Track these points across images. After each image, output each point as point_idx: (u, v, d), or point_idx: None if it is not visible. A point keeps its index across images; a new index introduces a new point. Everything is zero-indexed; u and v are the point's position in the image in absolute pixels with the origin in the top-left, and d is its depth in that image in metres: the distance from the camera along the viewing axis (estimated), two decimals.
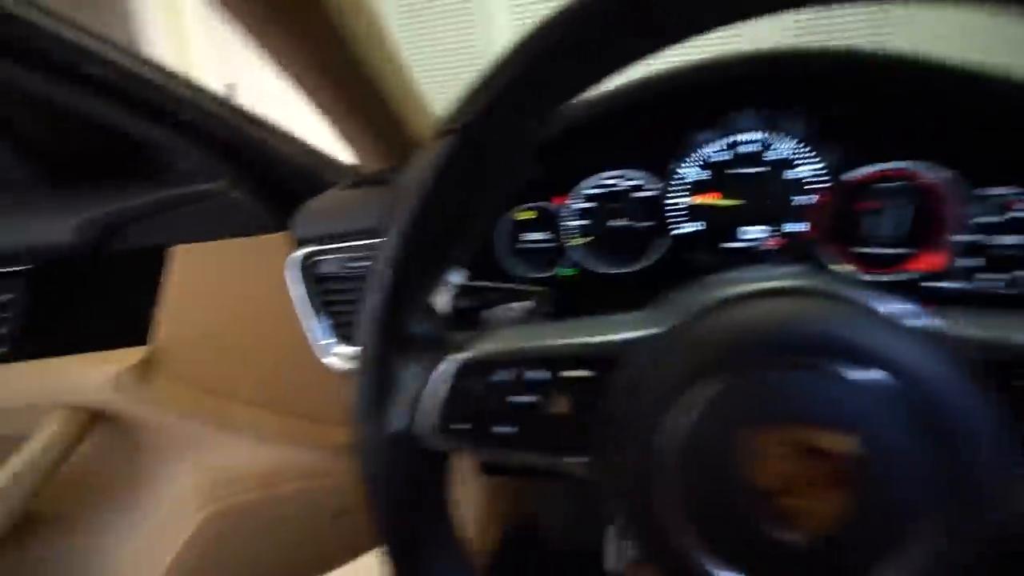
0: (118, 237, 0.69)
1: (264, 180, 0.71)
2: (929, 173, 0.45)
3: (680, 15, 0.25)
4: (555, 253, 0.57)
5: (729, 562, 0.24)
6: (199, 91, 0.59)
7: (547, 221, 0.57)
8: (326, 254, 0.58)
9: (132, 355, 0.68)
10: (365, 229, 0.53)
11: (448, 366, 0.29)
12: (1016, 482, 0.22)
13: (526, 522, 1.21)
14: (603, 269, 0.55)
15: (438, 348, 0.30)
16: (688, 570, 0.25)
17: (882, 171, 0.47)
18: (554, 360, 0.28)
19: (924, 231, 0.46)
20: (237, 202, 0.70)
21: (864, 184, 0.47)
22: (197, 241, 0.69)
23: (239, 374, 0.83)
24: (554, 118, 0.29)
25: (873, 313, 0.24)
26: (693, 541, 0.25)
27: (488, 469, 0.43)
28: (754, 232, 0.51)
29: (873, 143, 0.47)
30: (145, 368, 0.69)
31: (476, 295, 0.43)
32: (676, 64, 0.49)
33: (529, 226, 0.58)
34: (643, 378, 0.26)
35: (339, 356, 0.61)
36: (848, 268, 0.49)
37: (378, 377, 0.30)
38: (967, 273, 0.46)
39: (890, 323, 0.24)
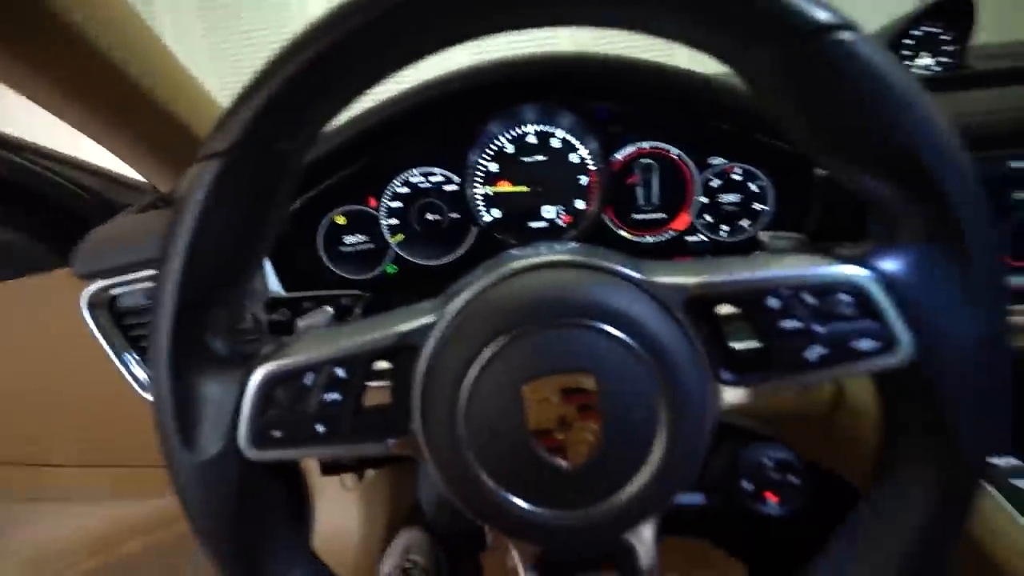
0: None
1: (38, 211, 0.62)
2: (672, 150, 0.56)
3: (428, 35, 0.29)
4: (378, 253, 0.60)
5: (524, 495, 0.29)
6: None
7: (366, 223, 0.59)
8: (122, 286, 0.53)
9: None
10: (156, 257, 0.50)
11: (256, 378, 0.30)
12: (719, 389, 0.28)
13: (412, 512, 1.24)
14: (423, 262, 0.59)
15: (244, 362, 0.31)
16: (494, 507, 0.29)
17: (638, 150, 0.56)
18: (355, 358, 0.30)
19: (676, 197, 0.57)
20: (5, 241, 0.61)
21: (627, 163, 0.56)
22: None
23: (50, 433, 0.72)
24: (319, 133, 0.31)
25: (606, 275, 0.30)
26: (494, 483, 0.29)
27: (325, 469, 0.44)
28: (549, 212, 0.58)
29: (628, 129, 0.56)
30: None
31: (292, 305, 0.44)
32: (463, 65, 0.53)
33: (350, 230, 0.59)
34: (438, 356, 0.30)
35: None
36: (625, 233, 0.58)
37: (182, 401, 0.30)
38: (709, 228, 0.58)
39: (616, 281, 0.30)
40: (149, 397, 0.57)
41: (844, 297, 0.27)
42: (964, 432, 0.27)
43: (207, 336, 0.31)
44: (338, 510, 1.14)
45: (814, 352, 0.27)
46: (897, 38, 0.69)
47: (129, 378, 0.56)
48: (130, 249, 0.52)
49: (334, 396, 0.30)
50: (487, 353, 0.28)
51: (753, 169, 0.56)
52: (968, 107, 0.51)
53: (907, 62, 0.69)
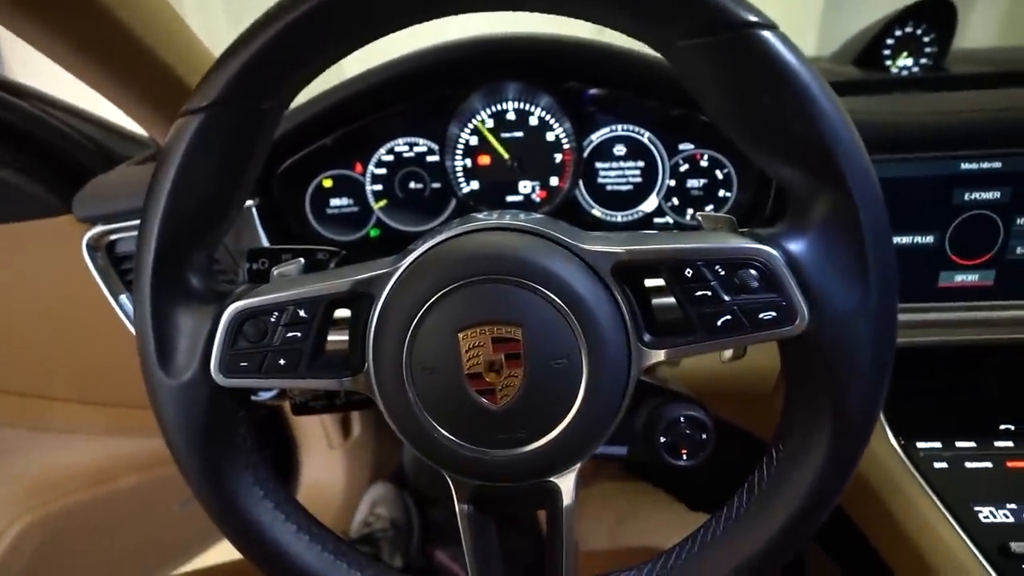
0: None
1: (45, 158, 0.65)
2: (644, 134, 0.59)
3: (395, 8, 0.31)
4: (362, 216, 0.63)
5: (457, 432, 0.33)
6: None
7: (352, 187, 0.63)
8: (122, 232, 0.57)
9: None
10: None
11: (228, 313, 0.34)
12: (639, 349, 0.32)
13: (396, 473, 1.29)
14: (404, 228, 0.62)
15: (218, 299, 0.35)
16: (431, 442, 0.32)
17: (611, 132, 0.59)
18: (315, 300, 0.34)
19: (646, 179, 0.60)
20: (14, 184, 0.64)
21: (601, 144, 0.59)
22: None
23: (50, 370, 0.77)
24: (296, 93, 0.34)
25: (544, 240, 0.33)
26: (432, 419, 0.32)
27: (295, 409, 0.48)
28: (526, 187, 0.61)
29: (602, 112, 0.59)
30: None
31: (271, 256, 0.47)
32: (446, 40, 0.56)
33: (336, 193, 0.63)
34: (390, 303, 0.33)
35: None
36: (597, 211, 0.61)
37: (161, 330, 0.33)
38: (675, 210, 0.61)
39: (552, 247, 0.33)
40: None
41: (752, 272, 0.30)
42: (851, 399, 0.30)
43: (185, 274, 0.35)
44: (322, 468, 1.19)
45: (722, 319, 0.30)
46: (880, 37, 0.70)
47: (123, 318, 0.60)
48: (129, 198, 0.55)
49: (295, 334, 0.34)
50: (431, 301, 0.31)
51: (719, 156, 0.58)
52: (932, 107, 0.53)
53: (887, 62, 0.71)
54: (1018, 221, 0.52)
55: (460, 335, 0.31)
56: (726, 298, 0.30)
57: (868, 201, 0.29)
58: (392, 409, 0.33)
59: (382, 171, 0.62)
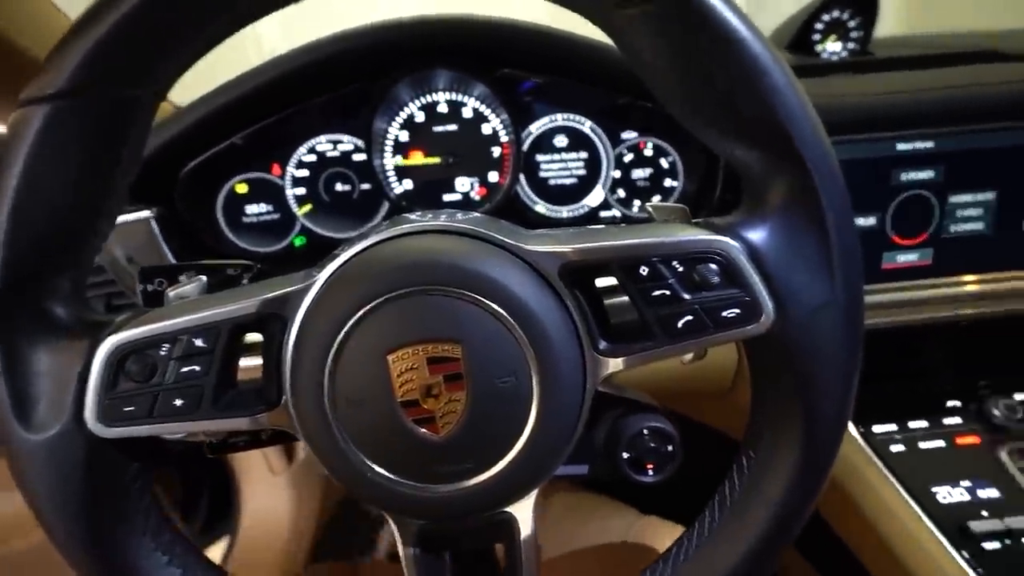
0: None
1: None
2: (586, 123, 0.56)
3: None
4: (284, 224, 0.57)
5: (394, 468, 0.28)
6: None
7: (271, 192, 0.56)
8: None
9: None
10: None
11: (104, 348, 0.28)
12: (594, 359, 0.28)
13: (347, 495, 1.22)
14: (332, 235, 0.57)
15: (91, 332, 0.28)
16: (365, 481, 0.28)
17: (551, 122, 0.56)
18: (215, 326, 0.28)
19: (590, 171, 0.57)
20: None
21: (541, 135, 0.56)
22: None
23: None
24: (173, 81, 0.29)
25: (482, 242, 0.29)
26: (363, 455, 0.28)
27: (211, 449, 0.42)
28: (464, 184, 0.57)
29: (540, 101, 0.55)
30: None
31: (168, 275, 0.41)
32: (363, 24, 0.51)
33: (252, 199, 0.56)
34: (306, 324, 0.28)
35: None
36: (541, 208, 0.58)
37: (16, 375, 0.27)
38: (622, 203, 0.58)
39: (491, 250, 0.29)
40: None
41: (712, 266, 0.27)
42: (822, 399, 0.28)
43: (44, 304, 0.28)
44: (266, 497, 1.11)
45: (683, 320, 0.27)
46: (809, 22, 0.71)
47: None
48: None
49: (192, 367, 0.28)
50: (353, 320, 0.27)
51: (664, 145, 0.56)
52: (864, 89, 0.53)
53: (817, 46, 0.72)
54: (951, 199, 0.53)
55: (390, 358, 0.27)
56: (686, 296, 0.27)
57: (829, 182, 0.27)
58: (318, 446, 0.29)
59: (304, 172, 0.56)
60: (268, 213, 0.56)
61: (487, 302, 0.27)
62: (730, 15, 0.25)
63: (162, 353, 0.28)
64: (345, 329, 0.27)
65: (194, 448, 0.40)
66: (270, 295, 0.29)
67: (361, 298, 0.27)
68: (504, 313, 0.27)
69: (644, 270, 0.27)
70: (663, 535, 0.55)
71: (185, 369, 0.28)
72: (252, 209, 0.56)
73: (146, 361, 0.28)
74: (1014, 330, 0.56)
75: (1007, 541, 0.43)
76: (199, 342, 0.28)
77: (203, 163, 0.52)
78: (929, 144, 0.51)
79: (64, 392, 0.28)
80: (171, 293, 0.33)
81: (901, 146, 0.51)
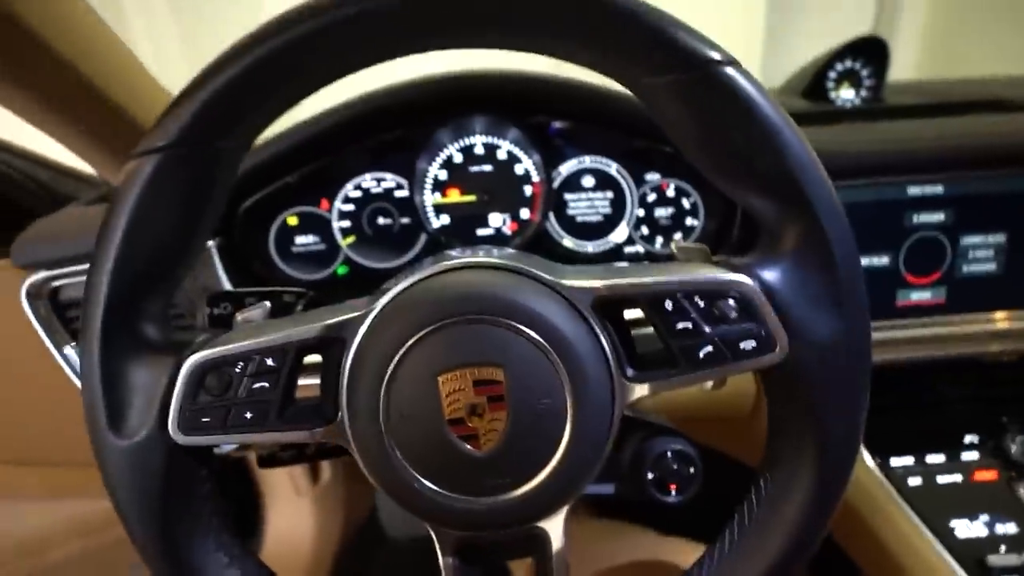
0: None
1: None
2: (612, 165, 0.60)
3: (361, 48, 0.31)
4: (329, 254, 0.61)
5: (439, 481, 0.31)
6: None
7: (318, 224, 0.61)
8: (66, 277, 0.53)
9: None
10: None
11: (188, 365, 0.31)
12: (623, 384, 0.31)
13: (370, 517, 1.23)
14: (373, 265, 0.61)
15: (175, 351, 0.32)
16: (412, 492, 0.31)
17: (579, 164, 0.60)
18: (283, 348, 0.32)
19: (615, 210, 0.61)
20: None
21: (569, 176, 0.60)
22: None
23: None
24: (258, 134, 0.33)
25: (522, 277, 0.32)
26: (412, 469, 0.30)
27: (261, 461, 0.45)
28: (496, 220, 0.61)
29: (569, 144, 0.60)
30: None
31: (233, 300, 0.45)
32: (411, 77, 0.56)
33: (301, 230, 0.61)
34: (364, 348, 0.32)
35: None
36: (568, 242, 0.62)
37: (111, 385, 0.31)
38: (645, 239, 0.61)
39: (531, 284, 0.32)
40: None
41: (731, 302, 0.30)
42: (833, 426, 0.31)
43: (139, 324, 0.32)
44: (289, 516, 1.13)
45: (704, 351, 0.30)
46: (823, 71, 0.75)
47: (68, 371, 0.56)
48: (75, 241, 0.52)
49: (263, 384, 0.31)
50: (407, 345, 0.30)
51: (685, 186, 0.60)
52: (877, 137, 0.57)
53: (832, 94, 0.75)
54: (962, 241, 0.55)
55: (439, 379, 0.30)
56: (707, 329, 0.30)
57: (837, 228, 0.30)
58: (369, 460, 0.32)
59: (349, 207, 0.61)
60: (315, 244, 0.61)
61: (527, 331, 0.30)
62: (748, 85, 0.29)
63: (237, 370, 0.32)
64: (401, 352, 0.30)
65: (232, 463, 0.43)
66: (332, 320, 0.32)
67: (416, 325, 0.30)
68: (543, 341, 0.30)
69: (669, 305, 0.30)
70: (685, 553, 0.56)
71: (256, 385, 0.32)
72: (301, 240, 0.61)
73: (223, 377, 0.32)
74: None
75: None
76: (269, 361, 0.32)
77: (261, 199, 0.57)
78: (939, 188, 0.54)
79: (151, 403, 0.31)
80: (240, 317, 0.37)
81: (912, 190, 0.54)
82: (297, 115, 0.54)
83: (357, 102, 0.55)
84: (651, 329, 0.31)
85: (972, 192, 0.54)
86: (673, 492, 0.35)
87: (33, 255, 0.53)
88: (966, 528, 0.47)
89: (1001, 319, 0.56)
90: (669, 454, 0.34)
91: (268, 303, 0.37)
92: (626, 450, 0.37)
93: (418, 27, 0.30)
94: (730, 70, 0.28)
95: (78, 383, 0.57)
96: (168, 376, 0.31)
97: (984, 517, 0.47)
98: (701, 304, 0.30)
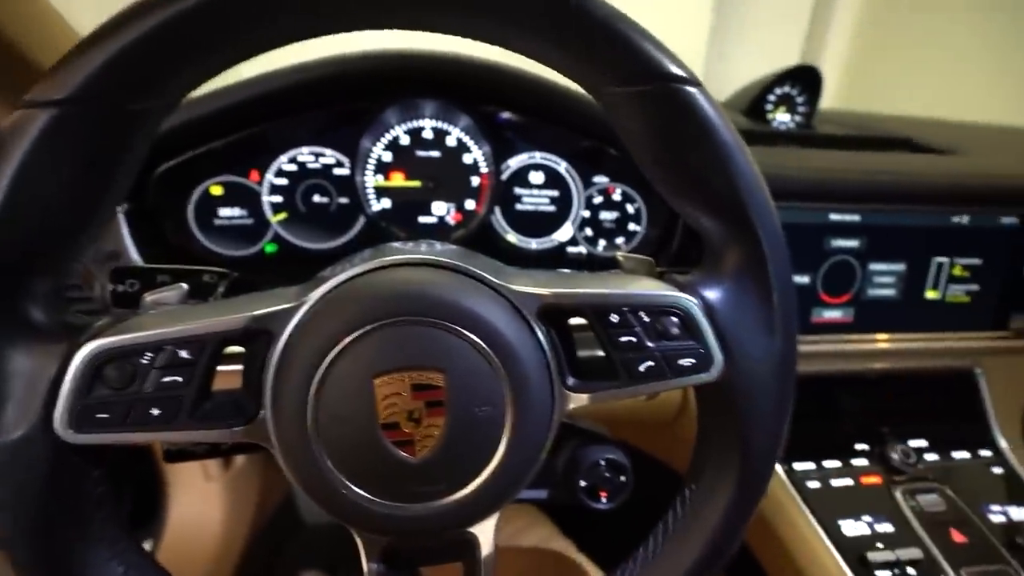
0: None
1: None
2: (561, 164, 0.60)
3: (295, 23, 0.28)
4: (257, 230, 0.57)
5: (370, 487, 0.30)
6: None
7: (246, 197, 0.56)
8: None
9: None
10: None
11: (83, 353, 0.28)
12: (563, 393, 0.31)
13: (285, 502, 1.18)
14: (305, 245, 0.57)
15: (69, 335, 0.28)
16: (339, 497, 0.29)
17: (529, 159, 0.59)
18: (202, 339, 0.29)
19: (560, 208, 0.61)
20: None
21: (518, 170, 0.59)
22: None
23: None
24: (180, 96, 0.29)
25: (468, 278, 0.31)
26: (340, 473, 0.29)
27: (168, 456, 0.41)
28: (440, 209, 0.59)
29: (521, 138, 0.59)
30: None
31: (143, 277, 0.40)
32: (364, 48, 0.52)
33: (226, 202, 0.56)
34: (294, 343, 0.29)
35: None
36: (511, 237, 0.61)
37: None
38: (588, 241, 0.62)
39: (477, 286, 0.31)
40: None
41: (674, 319, 0.31)
42: (757, 441, 0.32)
43: (23, 304, 0.28)
44: (197, 501, 1.05)
45: (645, 365, 0.31)
46: (761, 95, 0.79)
47: None
48: None
49: (175, 378, 0.28)
50: (343, 343, 0.28)
51: (631, 191, 0.61)
52: (806, 163, 0.60)
53: (769, 115, 0.80)
54: (870, 266, 0.60)
55: (376, 381, 0.28)
56: (649, 344, 0.31)
57: (778, 256, 0.31)
58: (293, 462, 0.30)
59: (282, 181, 0.56)
60: (241, 218, 0.56)
61: (471, 336, 0.29)
62: (708, 107, 0.29)
63: (143, 362, 0.28)
64: (336, 350, 0.28)
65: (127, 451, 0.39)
66: (259, 312, 0.29)
67: (354, 322, 0.28)
68: (486, 347, 0.29)
69: (614, 318, 0.30)
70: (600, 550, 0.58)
71: (166, 379, 0.28)
72: (225, 212, 0.56)
73: (126, 368, 0.28)
74: (916, 384, 0.64)
75: (896, 571, 0.49)
76: (184, 353, 0.29)
77: (182, 163, 0.52)
78: (856, 217, 0.58)
79: (34, 395, 0.27)
80: (149, 298, 0.33)
81: (833, 216, 0.58)
82: (235, 74, 0.49)
83: (301, 68, 0.51)
84: (589, 334, 0.31)
85: (882, 223, 0.59)
86: (603, 499, 0.36)
87: None
88: (852, 527, 0.52)
89: (892, 340, 0.62)
90: (602, 463, 0.35)
91: (185, 285, 0.33)
92: (560, 456, 0.37)
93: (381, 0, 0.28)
94: (692, 89, 0.29)
95: None
96: (57, 365, 0.27)
97: (867, 517, 0.53)
98: (645, 319, 0.31)
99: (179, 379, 0.28)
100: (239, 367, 0.31)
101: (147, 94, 0.28)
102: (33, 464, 0.27)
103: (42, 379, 0.27)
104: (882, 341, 0.61)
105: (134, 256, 0.51)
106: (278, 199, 0.56)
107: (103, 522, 0.30)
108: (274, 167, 0.56)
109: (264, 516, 1.13)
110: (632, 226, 0.62)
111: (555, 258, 0.62)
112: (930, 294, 0.62)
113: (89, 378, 0.27)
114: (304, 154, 0.56)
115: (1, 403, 0.27)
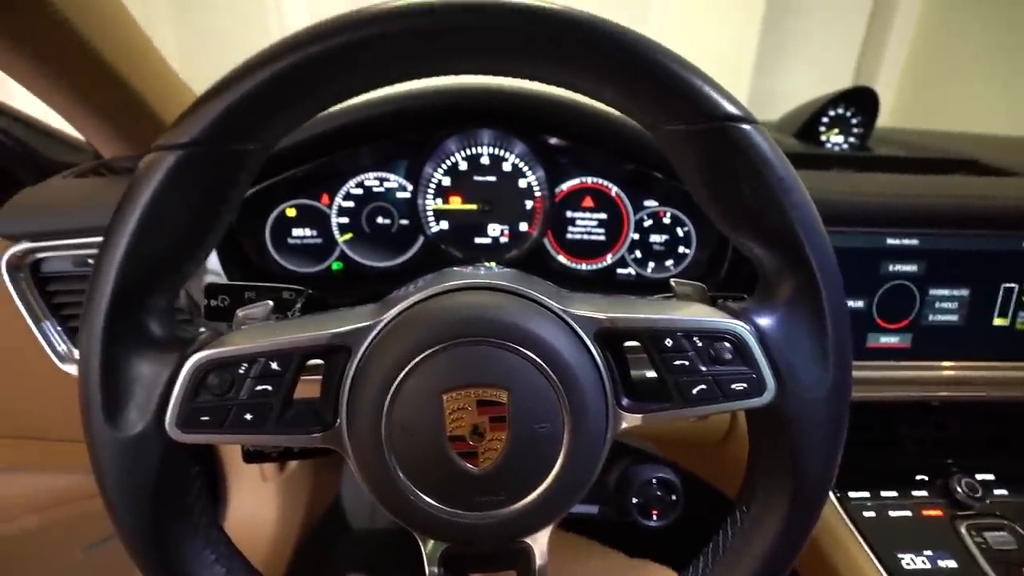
0: None
1: None
2: (612, 188, 0.61)
3: (392, 62, 0.31)
4: (325, 249, 0.61)
5: (435, 494, 0.32)
6: None
7: (316, 218, 0.61)
8: (51, 251, 0.52)
9: None
10: (94, 227, 0.49)
11: (191, 363, 0.31)
12: (617, 413, 0.32)
13: (333, 506, 1.22)
14: (368, 263, 0.61)
15: (178, 347, 0.32)
16: (406, 503, 0.32)
17: (581, 183, 0.61)
18: (289, 353, 0.32)
19: (611, 231, 0.62)
20: None
21: (570, 194, 0.61)
22: None
23: None
24: (280, 137, 0.33)
25: (531, 302, 0.33)
26: (409, 481, 0.31)
27: (248, 456, 0.45)
28: (495, 230, 0.62)
29: (574, 164, 0.61)
30: None
31: (232, 293, 0.45)
32: (424, 85, 0.56)
33: (299, 223, 0.61)
34: (369, 359, 0.32)
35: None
36: (563, 258, 0.63)
37: (111, 378, 0.30)
38: (638, 263, 0.63)
39: (539, 310, 0.32)
40: (66, 369, 0.55)
41: (727, 344, 0.32)
42: (809, 468, 0.33)
43: (144, 318, 0.32)
44: (253, 500, 1.11)
45: (698, 388, 0.32)
46: (816, 115, 0.78)
47: (46, 347, 0.54)
48: (63, 215, 0.50)
49: (265, 387, 0.32)
50: (415, 361, 0.31)
51: (681, 216, 0.62)
52: (862, 187, 0.60)
53: (822, 136, 0.79)
54: (930, 292, 0.59)
55: (444, 396, 0.31)
56: (702, 368, 0.32)
57: (832, 287, 0.32)
58: (366, 469, 0.32)
59: (349, 204, 0.61)
60: (312, 237, 0.61)
61: (533, 356, 0.31)
62: (763, 144, 0.30)
63: (240, 371, 0.32)
64: (408, 367, 0.31)
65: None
66: (340, 329, 0.33)
67: (425, 342, 0.31)
68: (547, 368, 0.31)
69: (669, 342, 0.32)
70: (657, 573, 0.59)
71: (259, 388, 0.32)
72: (298, 232, 0.61)
73: (225, 377, 0.32)
74: (981, 415, 0.62)
75: None
76: (274, 365, 0.32)
77: (261, 189, 0.57)
78: (915, 241, 0.57)
79: (150, 398, 0.31)
80: (240, 314, 0.37)
81: (891, 241, 0.57)
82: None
83: (370, 104, 0.55)
84: (642, 355, 0.32)
85: (944, 248, 0.57)
86: (655, 517, 0.37)
87: (18, 226, 0.51)
88: (911, 561, 0.50)
89: (955, 368, 0.60)
90: (654, 481, 0.36)
91: (270, 302, 0.37)
92: (612, 473, 0.38)
93: (451, 51, 0.31)
94: (748, 127, 0.30)
95: (54, 359, 0.56)
96: (170, 372, 0.31)
97: (928, 552, 0.51)
98: (699, 344, 0.32)
99: (269, 388, 0.32)
100: (314, 378, 0.34)
101: (252, 137, 0.32)
102: (146, 458, 0.31)
103: (157, 384, 0.31)
104: (945, 369, 0.59)
105: (218, 270, 0.56)
106: (345, 220, 0.61)
107: (200, 514, 0.34)
108: (343, 191, 0.60)
109: (313, 518, 1.17)
110: (682, 249, 0.63)
111: (605, 279, 0.64)
112: (998, 321, 0.59)
113: (195, 384, 0.31)
114: (370, 179, 0.60)
115: (124, 404, 0.31)
